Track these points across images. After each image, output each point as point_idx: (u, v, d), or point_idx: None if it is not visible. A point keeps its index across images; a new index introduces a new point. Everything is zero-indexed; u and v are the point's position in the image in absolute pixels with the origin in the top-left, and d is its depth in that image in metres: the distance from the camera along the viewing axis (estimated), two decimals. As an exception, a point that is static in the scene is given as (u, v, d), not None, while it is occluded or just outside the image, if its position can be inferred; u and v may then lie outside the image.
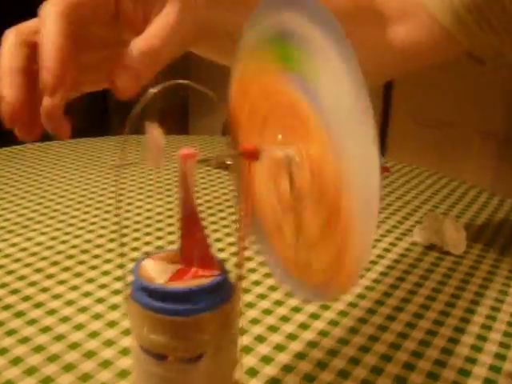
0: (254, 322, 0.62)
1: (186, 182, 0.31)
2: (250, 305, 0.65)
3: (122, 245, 0.80)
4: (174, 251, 0.35)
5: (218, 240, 0.82)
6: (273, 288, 0.69)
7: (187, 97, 3.36)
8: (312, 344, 0.58)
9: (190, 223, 0.33)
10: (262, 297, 0.67)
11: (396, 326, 0.62)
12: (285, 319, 0.63)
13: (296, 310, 0.65)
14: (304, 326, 0.61)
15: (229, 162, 1.18)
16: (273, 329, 0.61)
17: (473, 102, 2.43)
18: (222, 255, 0.77)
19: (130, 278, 0.34)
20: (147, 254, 0.35)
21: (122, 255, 0.77)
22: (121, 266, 0.73)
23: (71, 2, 0.37)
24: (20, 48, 0.38)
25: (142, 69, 0.38)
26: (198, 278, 0.32)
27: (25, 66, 0.38)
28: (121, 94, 0.38)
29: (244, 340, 0.59)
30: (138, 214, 0.91)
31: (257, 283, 0.70)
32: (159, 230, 0.85)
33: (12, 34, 0.38)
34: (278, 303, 0.66)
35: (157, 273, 0.33)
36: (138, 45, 0.38)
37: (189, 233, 0.33)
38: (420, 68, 0.69)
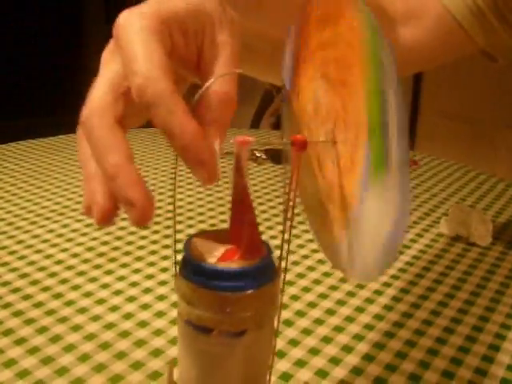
0: (300, 313, 0.64)
1: (241, 166, 0.34)
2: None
3: (173, 226, 0.83)
4: (223, 231, 0.37)
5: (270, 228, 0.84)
6: (317, 282, 0.71)
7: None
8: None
9: (242, 206, 0.35)
10: (307, 290, 0.69)
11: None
12: (331, 312, 0.64)
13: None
14: (319, 321, 0.63)
15: (258, 154, 1.20)
16: (318, 321, 0.63)
17: (501, 95, 2.40)
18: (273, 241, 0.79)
19: (179, 257, 0.36)
20: (197, 233, 0.37)
21: (171, 236, 0.80)
22: (167, 247, 0.75)
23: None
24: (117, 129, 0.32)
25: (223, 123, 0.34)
26: (246, 259, 0.34)
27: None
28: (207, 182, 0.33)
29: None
30: (181, 200, 0.93)
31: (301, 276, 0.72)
32: (201, 214, 0.87)
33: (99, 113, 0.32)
34: (323, 296, 0.68)
35: (207, 251, 0.35)
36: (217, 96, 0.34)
37: (239, 215, 0.35)
38: (431, 67, 0.69)
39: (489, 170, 1.25)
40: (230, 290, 0.33)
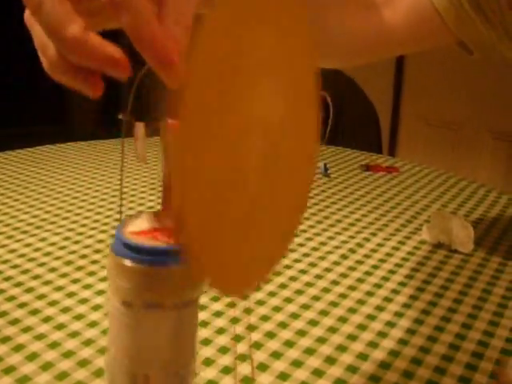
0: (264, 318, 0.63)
1: (171, 153, 0.32)
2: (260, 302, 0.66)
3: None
4: (156, 213, 0.39)
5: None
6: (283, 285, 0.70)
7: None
8: (320, 340, 0.59)
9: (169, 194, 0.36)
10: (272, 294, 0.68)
11: (404, 323, 0.63)
12: (295, 316, 0.64)
13: (294, 316, 0.66)
14: (313, 323, 0.62)
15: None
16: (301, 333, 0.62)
17: (484, 101, 2.43)
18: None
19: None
20: (133, 214, 0.39)
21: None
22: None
23: None
24: None
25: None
26: (166, 241, 0.36)
27: None
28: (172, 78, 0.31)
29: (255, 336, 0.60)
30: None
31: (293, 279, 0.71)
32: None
33: None
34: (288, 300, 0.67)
35: (136, 229, 0.37)
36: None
37: (167, 202, 0.37)
38: (409, 51, 0.69)
39: (470, 175, 1.25)
40: (146, 264, 0.35)
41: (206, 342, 0.58)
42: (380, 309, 0.66)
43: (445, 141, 2.58)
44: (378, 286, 0.71)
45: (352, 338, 0.60)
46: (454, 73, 2.47)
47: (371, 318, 0.64)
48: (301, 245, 0.82)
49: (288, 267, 0.75)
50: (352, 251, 0.81)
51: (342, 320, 0.63)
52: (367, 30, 0.60)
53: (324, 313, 0.64)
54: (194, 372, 0.41)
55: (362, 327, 0.62)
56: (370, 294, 0.69)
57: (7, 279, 0.70)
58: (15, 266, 0.73)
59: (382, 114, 1.93)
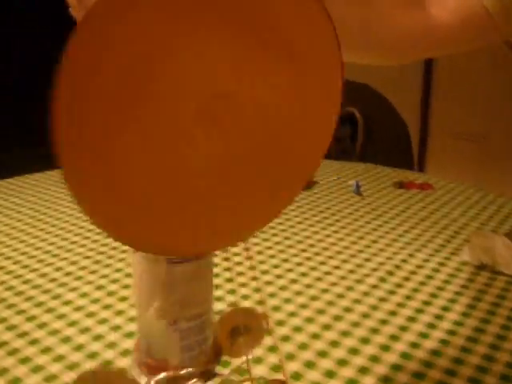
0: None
1: None
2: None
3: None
4: None
5: (259, 253, 0.81)
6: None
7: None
8: (373, 358, 0.56)
9: None
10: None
11: (451, 351, 0.60)
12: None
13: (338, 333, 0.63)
14: (354, 351, 0.60)
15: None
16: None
17: (514, 114, 2.38)
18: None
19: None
20: None
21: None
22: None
23: None
24: None
25: None
26: None
27: None
28: None
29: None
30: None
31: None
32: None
33: None
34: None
35: None
36: None
37: None
38: (457, 50, 0.66)
39: (502, 190, 1.21)
40: None
41: (244, 372, 0.56)
42: (424, 336, 0.63)
43: (474, 154, 2.53)
44: (420, 311, 0.68)
45: (396, 367, 0.57)
46: (482, 85, 2.43)
47: (414, 345, 0.61)
48: (337, 267, 0.79)
49: (325, 291, 0.72)
50: (390, 274, 0.78)
51: (384, 348, 0.60)
52: (414, 27, 0.58)
53: (365, 341, 0.62)
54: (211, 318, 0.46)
55: (405, 356, 0.59)
56: (411, 319, 0.66)
57: (19, 313, 0.68)
58: (29, 298, 0.71)
59: (410, 128, 1.90)
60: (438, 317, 0.67)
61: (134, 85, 0.29)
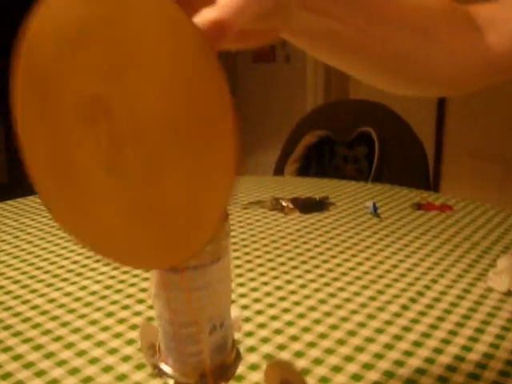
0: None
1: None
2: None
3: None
4: None
5: (275, 278, 0.78)
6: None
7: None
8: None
9: None
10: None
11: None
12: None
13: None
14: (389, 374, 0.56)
15: (285, 204, 1.14)
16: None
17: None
18: (269, 294, 0.73)
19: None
20: None
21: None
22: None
23: None
24: None
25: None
26: None
27: None
28: None
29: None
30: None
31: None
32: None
33: None
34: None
35: None
36: (206, 14, 0.34)
37: None
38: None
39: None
40: None
41: None
42: (451, 369, 0.59)
43: (491, 174, 2.49)
44: (446, 341, 0.65)
45: (424, 404, 0.53)
46: (498, 104, 2.40)
47: (441, 380, 0.57)
48: (357, 293, 0.76)
49: (345, 320, 0.69)
50: (413, 301, 0.74)
51: (410, 382, 0.57)
52: (473, 55, 0.55)
53: (389, 374, 0.58)
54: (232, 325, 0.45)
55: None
56: (438, 351, 0.63)
57: (46, 333, 0.66)
58: (54, 318, 0.69)
59: (425, 147, 1.87)
60: (465, 348, 0.63)
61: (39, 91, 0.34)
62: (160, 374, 0.44)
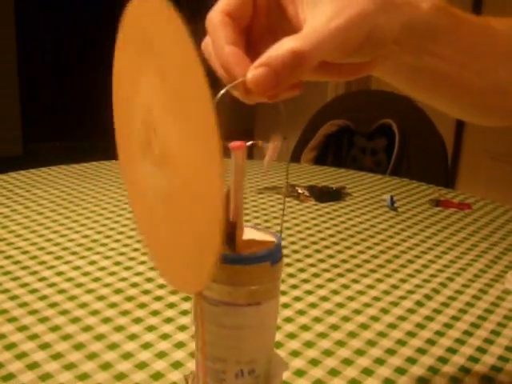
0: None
1: (238, 169, 0.37)
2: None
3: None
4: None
5: (289, 265, 0.76)
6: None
7: (253, 120, 3.34)
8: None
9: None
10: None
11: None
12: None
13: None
14: (389, 382, 0.54)
15: (300, 191, 1.12)
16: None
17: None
18: (297, 281, 0.71)
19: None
20: None
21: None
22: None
23: (228, 9, 0.39)
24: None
25: (282, 68, 0.34)
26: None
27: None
28: (250, 91, 0.36)
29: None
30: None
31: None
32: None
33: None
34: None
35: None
36: (285, 44, 0.35)
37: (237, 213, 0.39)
38: None
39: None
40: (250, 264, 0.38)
41: None
42: (465, 370, 0.57)
43: (509, 178, 2.45)
44: (461, 341, 0.63)
45: (436, 404, 0.52)
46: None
47: (455, 380, 0.55)
48: (371, 286, 0.74)
49: (358, 312, 0.67)
50: (428, 298, 0.72)
51: (422, 381, 0.55)
52: None
53: (400, 371, 0.56)
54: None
55: (446, 392, 0.54)
56: (451, 350, 0.61)
57: (52, 306, 0.65)
58: (61, 291, 0.68)
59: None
60: (480, 349, 0.61)
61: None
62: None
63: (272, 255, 0.39)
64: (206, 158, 0.29)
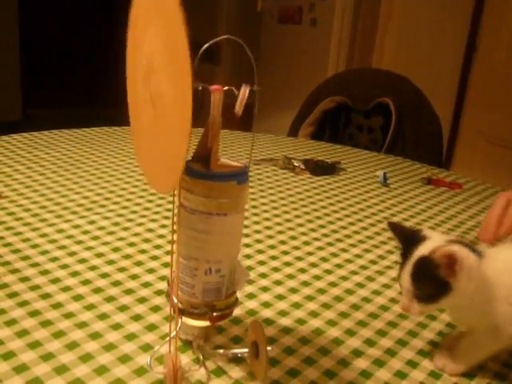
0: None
1: (215, 108, 0.47)
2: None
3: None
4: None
5: (280, 232, 0.79)
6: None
7: (253, 98, 3.35)
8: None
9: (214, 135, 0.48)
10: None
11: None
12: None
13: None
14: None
15: (296, 164, 1.15)
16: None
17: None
18: (284, 252, 0.74)
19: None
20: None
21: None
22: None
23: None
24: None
25: None
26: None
27: None
28: None
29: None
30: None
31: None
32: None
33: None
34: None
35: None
36: None
37: (206, 139, 0.48)
38: None
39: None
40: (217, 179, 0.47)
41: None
42: (441, 334, 0.61)
43: (503, 161, 2.48)
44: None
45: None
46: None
47: (431, 343, 0.59)
48: (359, 256, 0.77)
49: (344, 278, 0.70)
50: (413, 269, 0.75)
51: (401, 343, 0.58)
52: None
53: (382, 333, 0.60)
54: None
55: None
56: (431, 316, 0.64)
57: (53, 260, 0.67)
58: (62, 247, 0.71)
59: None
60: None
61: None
62: (167, 294, 0.52)
63: (238, 176, 0.48)
64: (182, 95, 0.39)
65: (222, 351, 0.52)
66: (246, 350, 0.51)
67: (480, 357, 0.55)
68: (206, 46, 0.44)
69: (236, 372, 0.51)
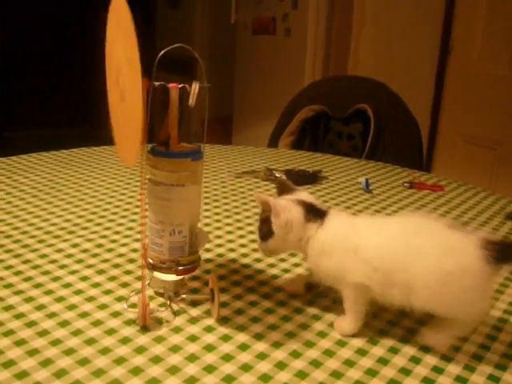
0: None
1: (173, 102, 0.61)
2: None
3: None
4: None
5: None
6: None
7: (231, 109, 3.35)
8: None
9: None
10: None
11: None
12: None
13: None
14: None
15: (278, 175, 1.15)
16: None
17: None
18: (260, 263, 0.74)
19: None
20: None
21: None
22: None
23: None
24: None
25: None
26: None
27: None
28: None
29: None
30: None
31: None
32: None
33: None
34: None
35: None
36: None
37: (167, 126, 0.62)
38: None
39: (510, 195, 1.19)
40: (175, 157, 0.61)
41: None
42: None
43: (483, 160, 2.50)
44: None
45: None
46: (494, 92, 2.40)
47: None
48: (345, 264, 0.77)
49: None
50: (400, 274, 0.75)
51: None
52: None
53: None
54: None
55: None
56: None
57: (37, 286, 0.66)
58: (46, 273, 0.70)
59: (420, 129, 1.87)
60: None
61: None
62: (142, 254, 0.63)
63: (192, 154, 0.62)
64: (137, 91, 0.52)
65: (185, 296, 0.65)
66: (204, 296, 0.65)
67: (353, 308, 0.60)
68: (160, 53, 0.56)
69: (194, 311, 0.63)
